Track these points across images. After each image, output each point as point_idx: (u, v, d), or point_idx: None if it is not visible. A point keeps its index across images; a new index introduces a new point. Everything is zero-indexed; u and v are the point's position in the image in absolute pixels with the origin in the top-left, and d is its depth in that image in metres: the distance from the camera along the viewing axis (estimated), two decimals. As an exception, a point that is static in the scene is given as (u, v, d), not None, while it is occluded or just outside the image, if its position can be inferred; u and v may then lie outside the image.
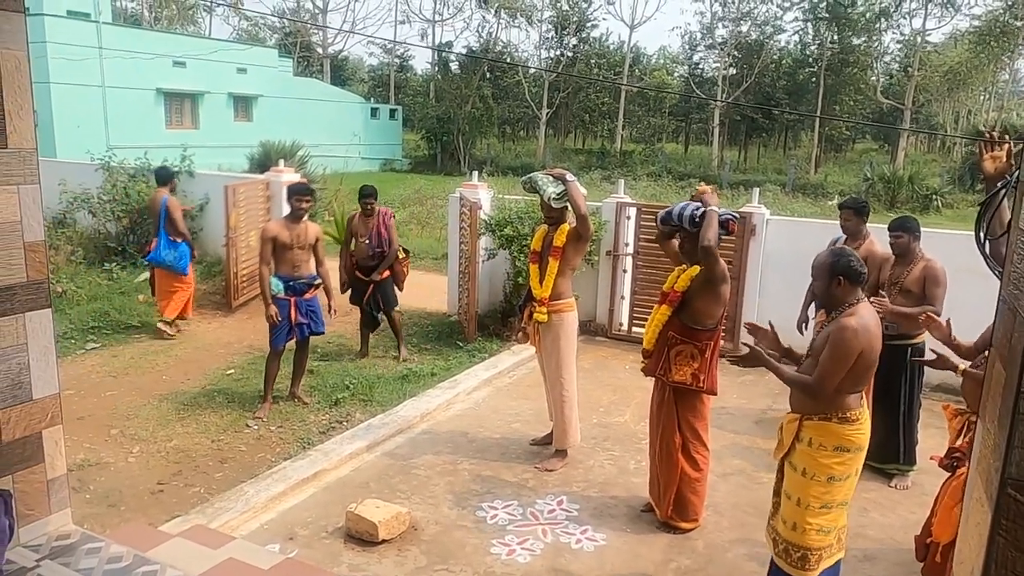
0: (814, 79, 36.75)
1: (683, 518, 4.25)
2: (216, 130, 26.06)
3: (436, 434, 5.53)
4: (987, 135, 3.02)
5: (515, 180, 22.26)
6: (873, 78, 38.17)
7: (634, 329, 8.10)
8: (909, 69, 34.71)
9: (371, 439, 5.23)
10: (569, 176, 4.92)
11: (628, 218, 8.01)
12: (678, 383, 4.10)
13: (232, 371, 6.78)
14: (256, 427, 5.59)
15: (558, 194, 4.92)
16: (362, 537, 4.02)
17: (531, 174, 5.12)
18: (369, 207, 7.02)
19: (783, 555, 3.27)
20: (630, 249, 8.02)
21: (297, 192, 5.83)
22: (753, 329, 3.44)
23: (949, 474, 3.11)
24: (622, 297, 8.14)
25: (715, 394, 4.22)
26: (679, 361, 4.06)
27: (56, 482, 3.17)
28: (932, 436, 5.28)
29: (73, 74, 21.05)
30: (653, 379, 4.32)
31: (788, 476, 3.29)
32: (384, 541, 3.99)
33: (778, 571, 3.32)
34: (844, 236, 5.53)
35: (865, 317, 3.08)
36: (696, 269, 4.08)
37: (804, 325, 5.80)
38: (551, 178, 4.98)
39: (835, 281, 3.14)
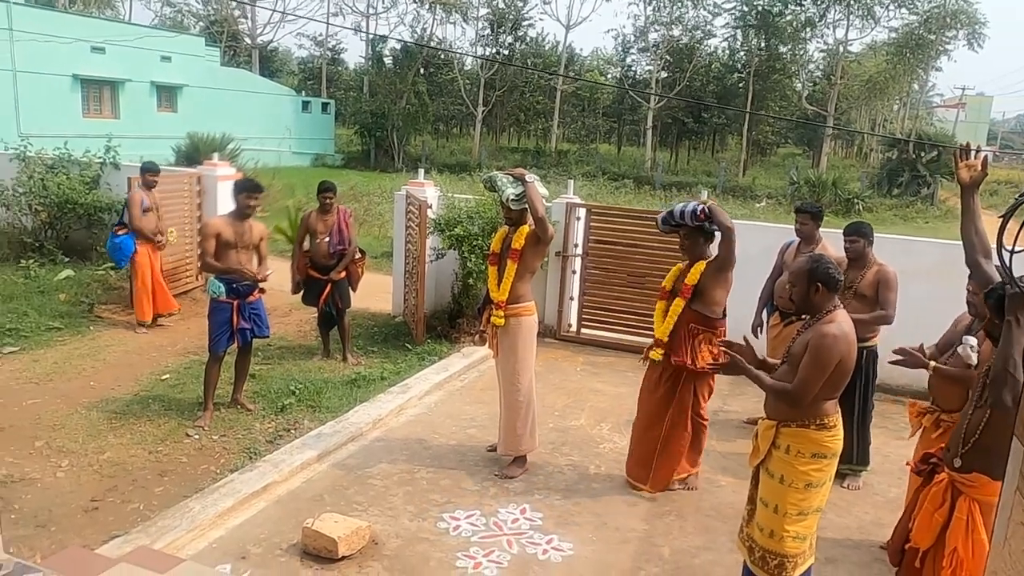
0: (742, 84, 37.77)
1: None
2: (138, 120, 24.79)
3: (390, 441, 5.33)
4: (962, 146, 3.06)
5: (450, 177, 22.08)
6: (798, 85, 39.52)
7: (583, 330, 8.07)
8: (832, 77, 36.07)
9: (322, 448, 5.00)
10: (529, 177, 4.80)
11: (578, 219, 7.97)
12: (704, 368, 4.49)
13: (167, 376, 6.40)
14: (197, 436, 5.27)
15: (517, 195, 4.80)
16: (320, 554, 3.81)
17: (491, 173, 4.99)
18: (328, 202, 6.80)
19: (760, 563, 3.25)
20: (579, 250, 7.98)
21: (246, 189, 5.53)
22: (728, 345, 3.41)
23: (921, 479, 3.14)
24: (571, 298, 8.09)
25: None
26: (703, 348, 4.51)
27: (-15, 507, 2.87)
28: (877, 436, 5.41)
29: (-20, 57, 19.76)
30: (645, 370, 4.84)
31: (764, 483, 3.27)
32: (344, 557, 3.79)
33: (753, 579, 3.31)
34: (797, 240, 5.62)
35: (843, 324, 3.09)
36: (703, 264, 4.56)
37: (759, 329, 5.87)
38: (511, 178, 4.85)
39: (813, 287, 3.13)
